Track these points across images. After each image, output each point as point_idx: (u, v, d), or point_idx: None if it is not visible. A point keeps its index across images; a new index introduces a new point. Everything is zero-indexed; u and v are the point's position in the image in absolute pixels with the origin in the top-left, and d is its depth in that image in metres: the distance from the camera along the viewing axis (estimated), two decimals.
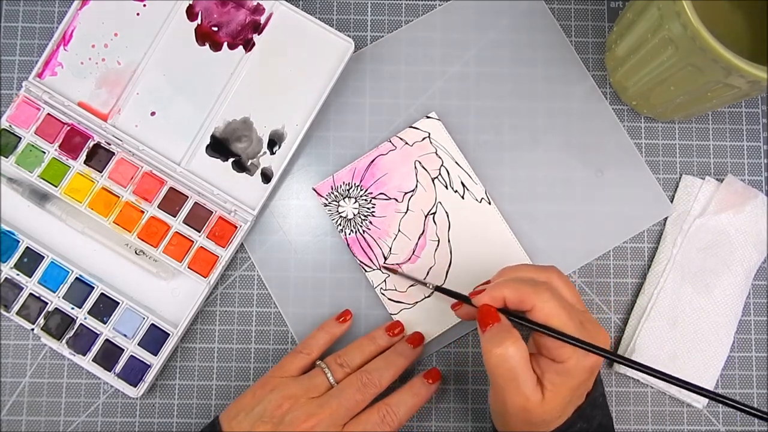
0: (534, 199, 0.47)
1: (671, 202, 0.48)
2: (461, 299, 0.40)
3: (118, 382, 0.44)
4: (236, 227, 0.45)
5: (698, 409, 0.46)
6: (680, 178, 0.48)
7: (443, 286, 0.43)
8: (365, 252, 0.46)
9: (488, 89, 0.48)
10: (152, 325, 0.45)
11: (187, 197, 0.46)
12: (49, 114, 0.46)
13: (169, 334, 0.45)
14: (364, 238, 0.46)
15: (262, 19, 0.46)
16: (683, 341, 0.46)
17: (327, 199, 0.46)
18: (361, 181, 0.46)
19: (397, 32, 0.49)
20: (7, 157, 0.45)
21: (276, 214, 0.47)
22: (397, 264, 0.46)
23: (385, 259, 0.46)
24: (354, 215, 0.46)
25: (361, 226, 0.46)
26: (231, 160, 0.46)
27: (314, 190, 0.47)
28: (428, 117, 0.47)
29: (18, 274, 0.45)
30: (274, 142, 0.46)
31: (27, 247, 0.45)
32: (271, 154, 0.46)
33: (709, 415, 0.46)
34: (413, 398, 0.41)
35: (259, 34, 0.46)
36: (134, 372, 0.44)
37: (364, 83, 0.48)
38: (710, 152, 0.49)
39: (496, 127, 0.48)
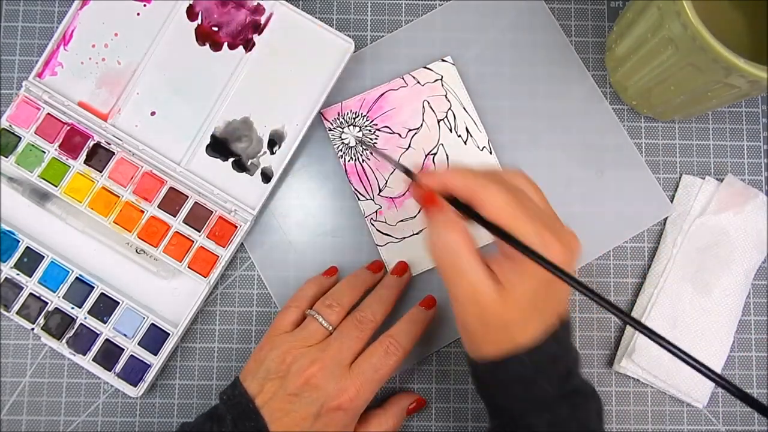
0: None
1: (671, 202, 0.48)
2: (410, 176, 0.37)
3: (118, 381, 0.44)
4: (236, 227, 0.45)
5: (698, 409, 0.46)
6: (680, 178, 0.48)
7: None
8: (361, 181, 0.47)
9: (488, 89, 0.48)
10: (152, 324, 0.45)
11: (187, 197, 0.46)
12: (49, 114, 0.46)
13: (169, 334, 0.45)
14: (363, 168, 0.46)
15: (262, 19, 0.46)
16: (683, 341, 0.46)
17: (332, 125, 0.47)
18: (368, 112, 0.47)
19: (397, 32, 0.49)
20: (7, 157, 0.45)
21: (276, 214, 0.47)
22: (390, 197, 0.46)
23: (380, 190, 0.47)
24: (356, 143, 0.47)
25: (361, 155, 0.46)
26: (231, 160, 0.46)
27: (321, 113, 0.47)
28: (443, 60, 0.48)
29: (18, 274, 0.45)
30: (274, 142, 0.46)
31: (27, 247, 0.45)
32: (271, 153, 0.46)
33: (709, 415, 0.46)
34: (413, 326, 0.42)
35: (259, 34, 0.46)
36: (134, 372, 0.44)
37: (364, 83, 0.48)
38: (710, 152, 0.49)
39: (496, 126, 0.48)
